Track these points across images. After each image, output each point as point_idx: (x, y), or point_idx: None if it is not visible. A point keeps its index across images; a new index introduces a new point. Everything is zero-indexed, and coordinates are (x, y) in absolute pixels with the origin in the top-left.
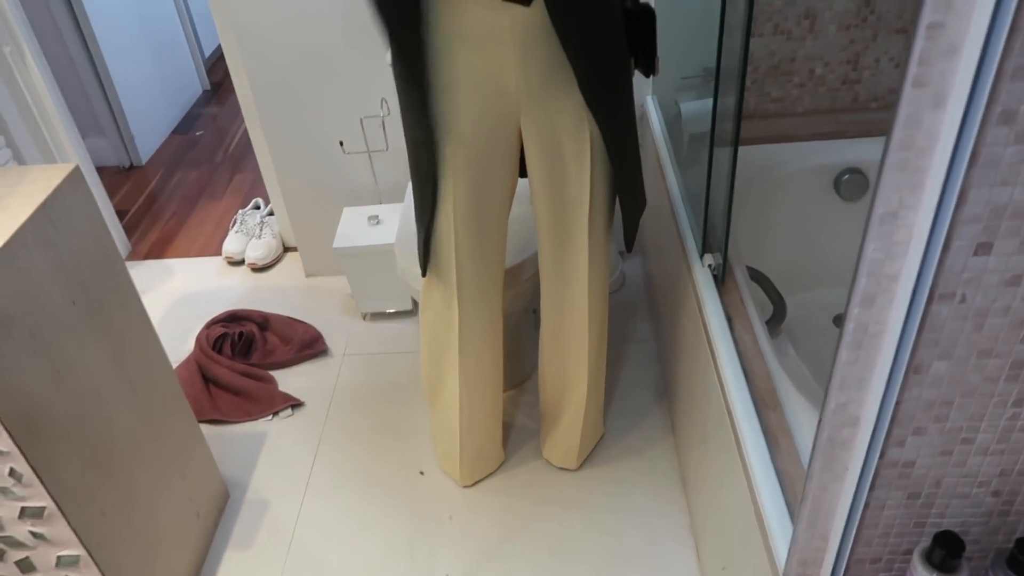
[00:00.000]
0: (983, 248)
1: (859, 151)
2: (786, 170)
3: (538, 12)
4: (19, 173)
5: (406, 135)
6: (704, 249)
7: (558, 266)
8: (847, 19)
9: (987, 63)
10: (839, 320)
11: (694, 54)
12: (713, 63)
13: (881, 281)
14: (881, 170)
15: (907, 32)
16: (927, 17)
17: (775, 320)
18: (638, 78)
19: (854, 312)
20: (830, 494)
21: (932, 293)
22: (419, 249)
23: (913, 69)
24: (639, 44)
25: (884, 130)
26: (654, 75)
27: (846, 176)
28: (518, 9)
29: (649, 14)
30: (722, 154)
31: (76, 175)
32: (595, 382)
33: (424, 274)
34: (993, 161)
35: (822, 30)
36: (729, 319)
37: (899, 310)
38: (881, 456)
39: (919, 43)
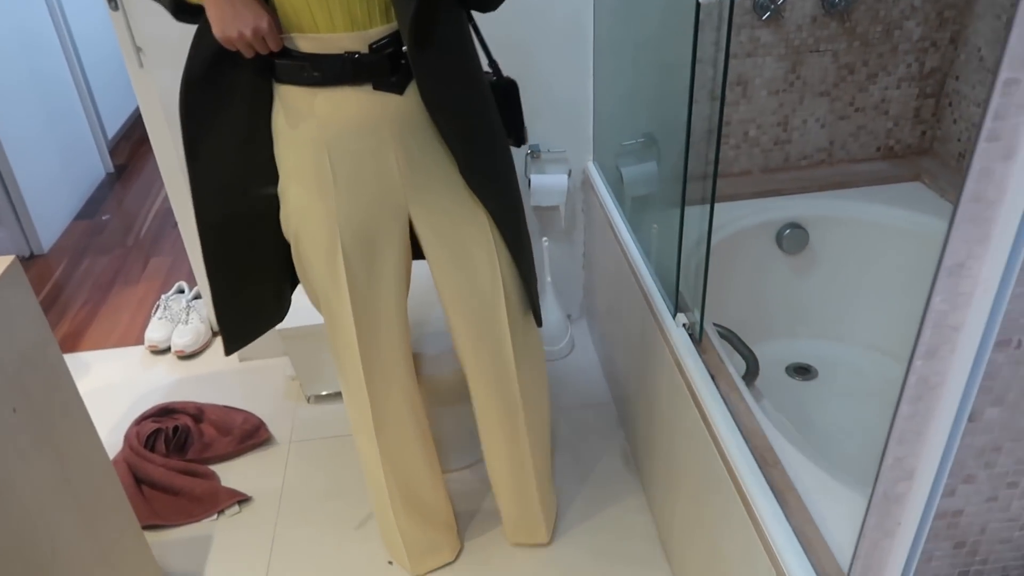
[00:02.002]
0: None
1: (797, 207)
2: (731, 228)
3: (413, 99)
4: None
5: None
6: (677, 309)
7: (478, 343)
8: (776, 84)
9: None
10: (792, 370)
11: (633, 122)
12: (652, 129)
13: (944, 332)
14: (952, 223)
15: (830, 95)
16: (1004, 73)
17: (749, 375)
18: (577, 145)
19: (917, 365)
20: (880, 551)
21: (993, 341)
22: (218, 317)
23: (988, 124)
24: (507, 116)
25: (816, 186)
26: (524, 144)
27: (787, 231)
28: (393, 99)
29: (513, 87)
30: (672, 214)
31: (14, 269)
32: (542, 455)
33: (227, 353)
34: None
35: (754, 95)
36: (713, 378)
37: (961, 360)
38: (936, 508)
39: (996, 98)
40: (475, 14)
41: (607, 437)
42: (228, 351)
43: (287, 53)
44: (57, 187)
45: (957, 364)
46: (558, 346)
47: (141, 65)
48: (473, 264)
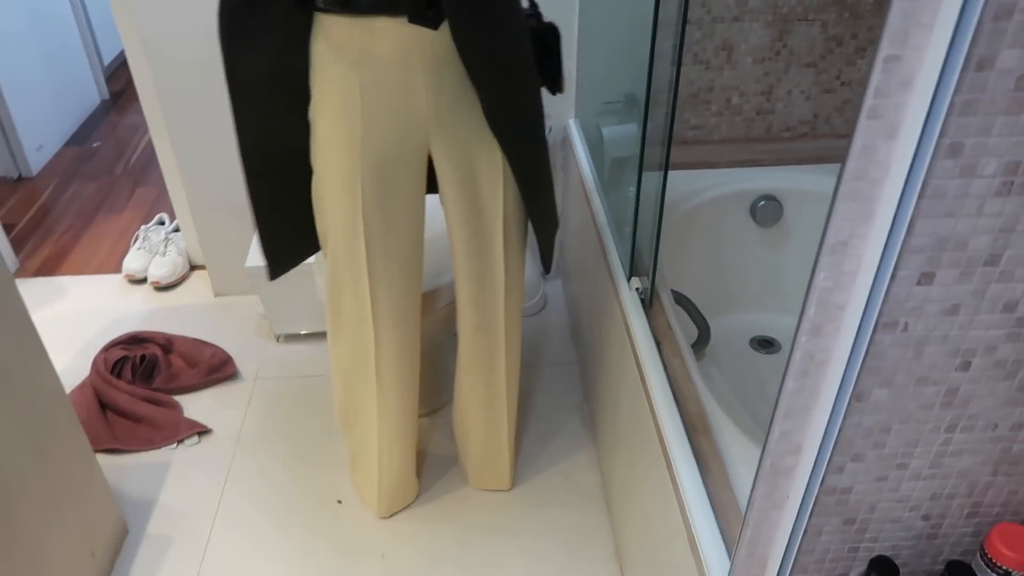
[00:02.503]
0: (926, 278)
1: (774, 179)
2: (705, 196)
3: (447, 35)
4: None
5: (269, 150)
6: (631, 273)
7: (475, 287)
8: (762, 52)
9: (940, 97)
10: (756, 343)
11: (616, 80)
12: (635, 90)
13: (829, 310)
14: (834, 200)
15: (816, 66)
16: (885, 50)
17: (700, 343)
18: (560, 101)
19: (802, 341)
20: (770, 521)
21: (877, 322)
22: (262, 245)
23: (869, 101)
24: (545, 62)
25: (797, 159)
26: (560, 92)
27: (762, 203)
28: (427, 33)
29: (553, 33)
30: (650, 178)
31: None
32: (513, 399)
33: (271, 278)
34: (940, 193)
35: (739, 61)
36: (658, 343)
37: (845, 339)
38: (821, 483)
39: (876, 75)
40: None
41: (567, 395)
42: (272, 276)
43: None
44: (49, 111)
45: (842, 343)
46: (530, 302)
47: None
48: (481, 201)
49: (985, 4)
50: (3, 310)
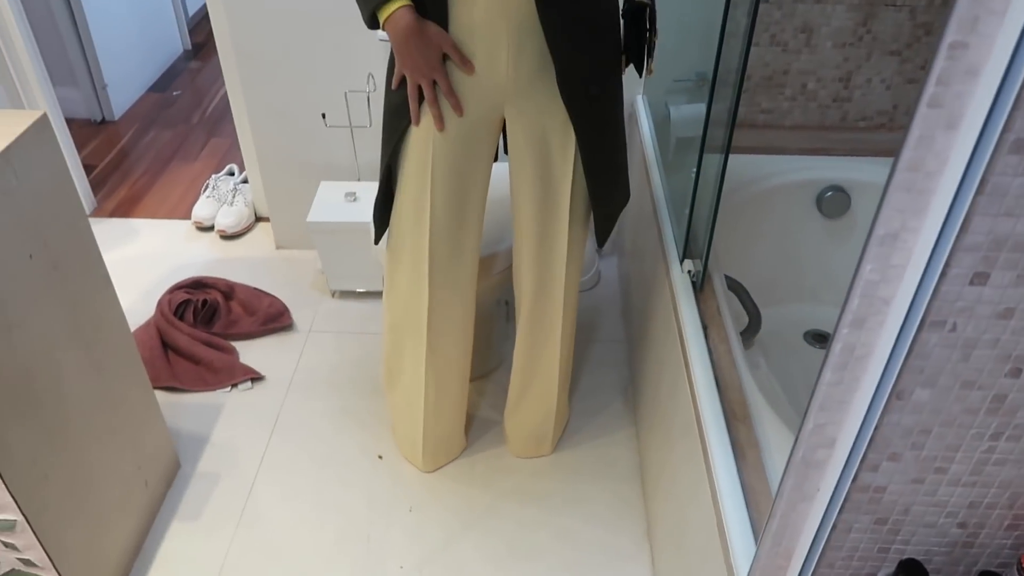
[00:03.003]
0: (979, 278)
1: (844, 169)
2: (770, 183)
3: (532, 5)
4: None
5: (389, 100)
6: (684, 255)
7: (537, 253)
8: (843, 37)
9: (1007, 89)
10: (811, 336)
11: (687, 58)
12: (706, 68)
13: (874, 303)
14: (886, 190)
15: (901, 55)
16: (950, 36)
17: (749, 332)
18: (630, 77)
19: (843, 333)
20: (798, 514)
21: (924, 320)
22: (374, 211)
23: (930, 88)
24: (632, 40)
25: (871, 151)
26: (649, 75)
27: (829, 193)
28: (516, 1)
29: (649, 12)
30: (711, 161)
31: (43, 123)
32: (567, 368)
33: (376, 241)
34: (1000, 191)
35: (818, 45)
36: (705, 327)
37: (889, 334)
38: (854, 480)
39: (939, 62)
40: None
41: (614, 373)
42: (377, 240)
43: None
44: (134, 58)
45: (884, 338)
46: (584, 278)
47: None
48: (551, 170)
49: None
50: (78, 249)
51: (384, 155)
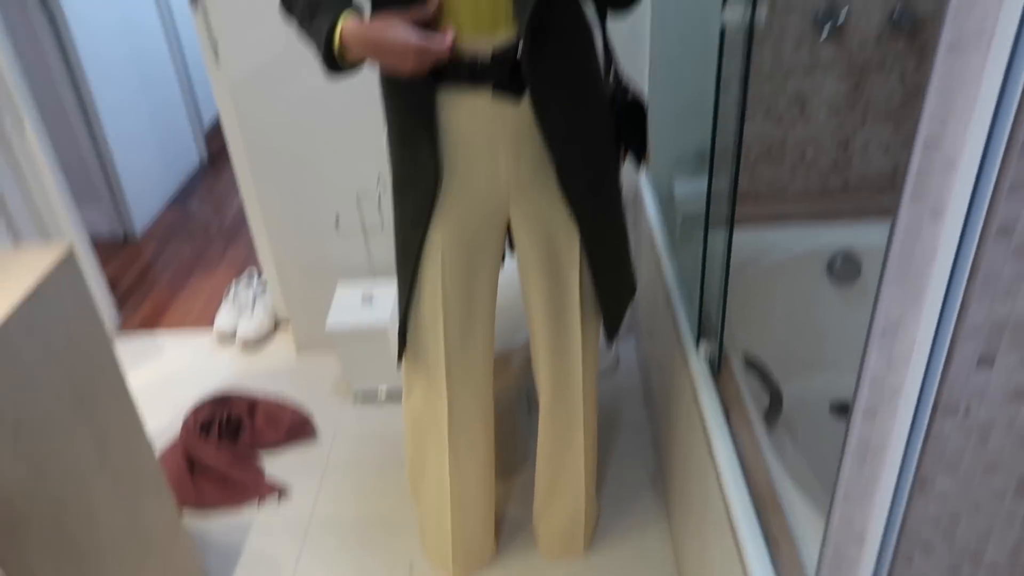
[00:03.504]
0: (986, 361)
1: (852, 235)
2: (779, 254)
3: (528, 110)
4: (12, 254)
5: (400, 220)
6: (700, 335)
7: (552, 348)
8: (836, 104)
9: (984, 178)
10: (836, 408)
11: (686, 135)
12: (704, 145)
13: (884, 393)
14: (881, 281)
15: (895, 117)
16: (924, 131)
17: (772, 412)
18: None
19: (856, 424)
20: None
21: (936, 406)
22: (398, 334)
23: (911, 182)
24: (630, 136)
25: (876, 213)
26: (646, 165)
27: (839, 260)
28: (509, 107)
29: (640, 107)
30: (717, 237)
31: (69, 256)
32: (592, 461)
33: (399, 361)
34: (993, 275)
35: (812, 114)
36: (726, 411)
37: (902, 423)
38: (889, 574)
39: (917, 158)
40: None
41: (641, 460)
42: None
43: None
44: (154, 173)
45: (899, 427)
46: (603, 364)
47: (217, 61)
48: (558, 267)
49: None
50: (104, 380)
51: (403, 289)
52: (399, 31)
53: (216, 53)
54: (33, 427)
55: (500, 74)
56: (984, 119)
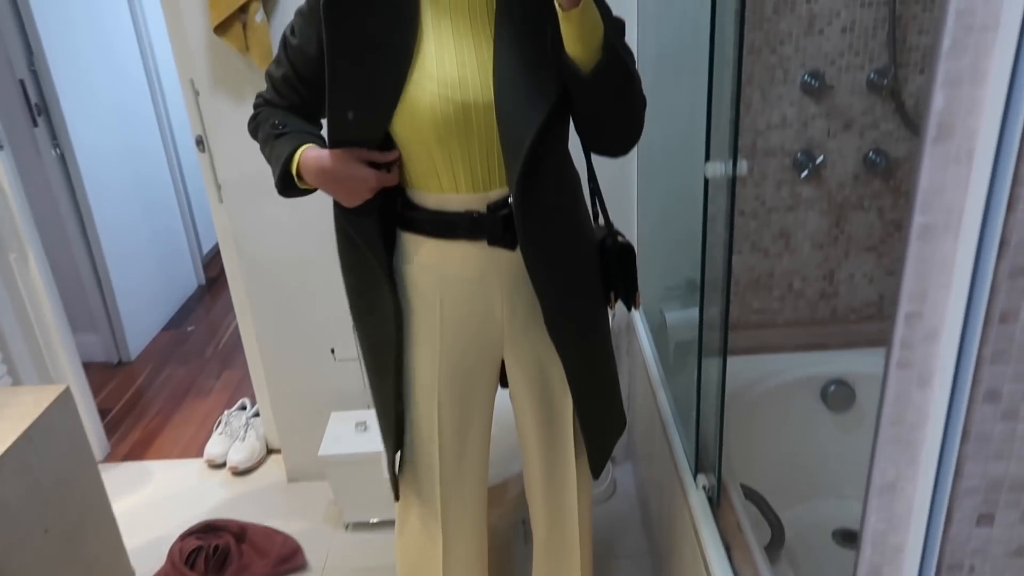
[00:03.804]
0: (985, 519)
1: (843, 363)
2: (773, 382)
3: (521, 256)
4: (9, 393)
5: (370, 360)
6: (697, 468)
7: (548, 478)
8: (819, 238)
9: (967, 346)
10: (839, 536)
11: (677, 265)
12: (695, 275)
13: (886, 552)
14: (875, 443)
15: (877, 250)
16: (904, 307)
17: (774, 544)
18: None
19: None
20: None
21: (940, 565)
22: (388, 473)
23: (896, 353)
24: (619, 280)
25: (865, 341)
26: (636, 308)
27: (832, 387)
28: (504, 254)
29: (628, 252)
30: (710, 366)
31: (65, 398)
32: None
33: (396, 498)
34: (984, 437)
35: (797, 248)
36: (727, 546)
37: None
38: None
39: (899, 329)
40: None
41: None
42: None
43: (412, 207)
44: (151, 297)
45: None
46: (599, 489)
47: (220, 201)
48: (552, 402)
49: (998, 264)
50: (91, 512)
51: (384, 406)
52: (352, 166)
53: (219, 192)
54: (18, 565)
55: (495, 227)
56: (961, 294)
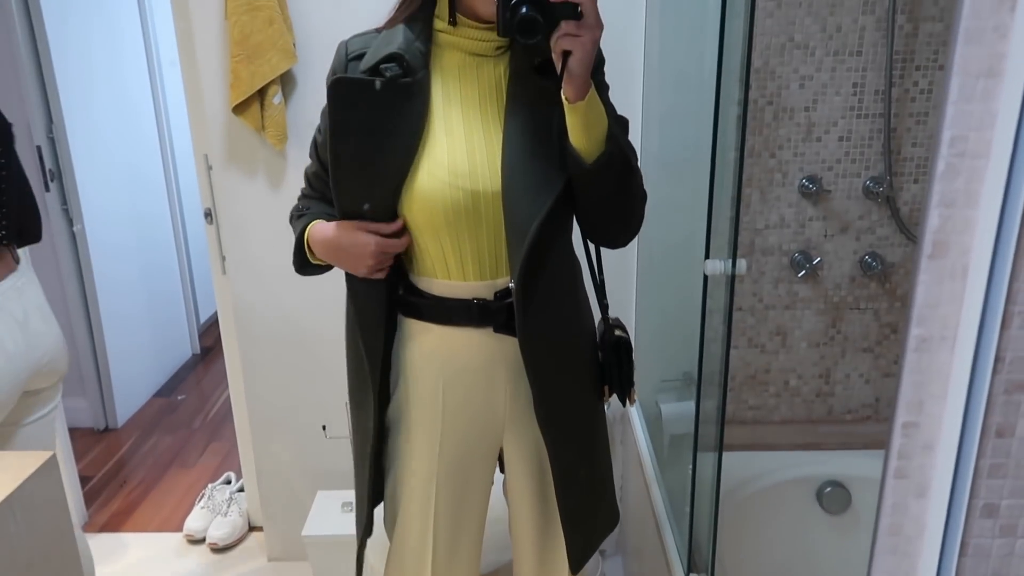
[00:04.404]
0: None
1: (839, 464)
2: (768, 480)
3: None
4: None
5: (358, 441)
6: (690, 567)
7: (539, 571)
8: (816, 337)
9: (964, 459)
10: None
11: (673, 357)
12: (691, 368)
13: None
14: (872, 554)
15: (873, 352)
16: (901, 416)
17: None
18: None
19: None
20: None
21: None
22: (356, 560)
23: (893, 462)
24: (615, 374)
25: (861, 443)
26: (631, 404)
27: (828, 489)
28: (510, 341)
29: (626, 347)
30: (705, 460)
31: (50, 465)
32: None
33: (360, 544)
34: (983, 551)
35: (793, 346)
36: None
37: None
38: None
39: (896, 439)
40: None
41: None
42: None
43: (417, 292)
44: (144, 363)
45: None
46: None
47: (224, 272)
48: (548, 493)
49: (994, 379)
50: None
51: (361, 514)
52: (354, 234)
53: (223, 264)
54: None
55: (500, 314)
56: (957, 406)
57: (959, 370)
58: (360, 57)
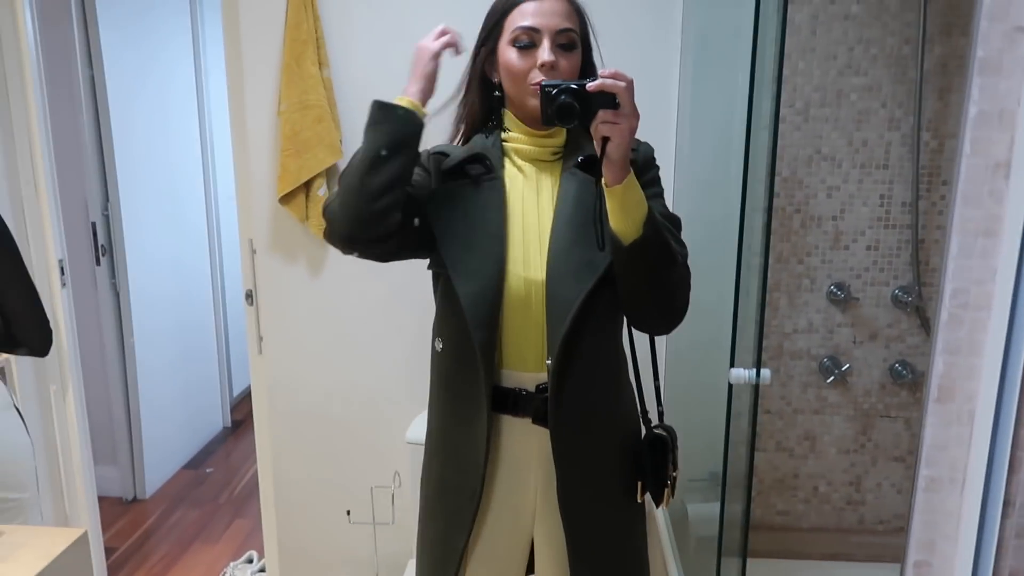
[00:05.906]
0: None
1: None
2: None
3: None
4: (27, 533)
5: (429, 541)
6: None
7: None
8: (846, 444)
9: None
10: None
11: (700, 457)
12: (717, 467)
13: None
14: None
15: (905, 461)
16: (913, 555)
17: None
18: None
19: None
20: None
21: None
22: None
23: (912, 547)
24: (648, 472)
25: (893, 557)
26: (664, 505)
27: None
28: (545, 433)
29: (661, 445)
30: (729, 566)
31: (81, 543)
32: None
33: None
34: None
35: (823, 451)
36: None
37: None
38: None
39: (909, 570)
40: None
41: None
42: None
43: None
44: (175, 435)
45: None
46: None
47: (260, 352)
48: None
49: (1003, 523)
50: None
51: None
52: (427, 55)
53: (260, 344)
54: None
55: (540, 406)
56: (968, 548)
57: (969, 512)
58: (444, 155)
